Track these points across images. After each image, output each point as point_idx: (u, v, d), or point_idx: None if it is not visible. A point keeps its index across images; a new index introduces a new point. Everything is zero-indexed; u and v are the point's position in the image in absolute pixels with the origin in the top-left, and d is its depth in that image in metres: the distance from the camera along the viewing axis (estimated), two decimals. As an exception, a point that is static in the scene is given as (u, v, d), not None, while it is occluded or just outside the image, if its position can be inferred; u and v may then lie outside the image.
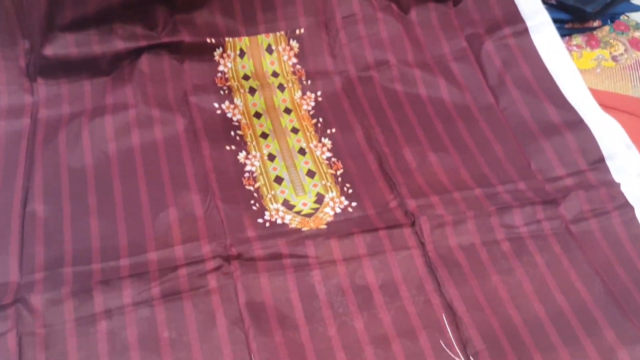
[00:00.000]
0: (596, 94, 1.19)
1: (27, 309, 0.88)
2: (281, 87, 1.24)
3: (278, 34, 1.29)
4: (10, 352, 0.85)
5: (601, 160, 1.11)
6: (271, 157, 1.13)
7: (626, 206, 1.05)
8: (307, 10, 1.30)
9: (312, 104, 1.23)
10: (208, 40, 1.25)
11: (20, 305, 0.88)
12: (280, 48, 1.28)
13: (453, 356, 0.89)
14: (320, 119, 1.20)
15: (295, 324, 0.91)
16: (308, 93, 1.24)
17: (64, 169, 1.06)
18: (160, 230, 0.99)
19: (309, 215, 1.04)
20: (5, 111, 1.12)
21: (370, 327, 0.91)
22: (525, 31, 1.27)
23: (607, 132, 1.13)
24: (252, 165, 1.11)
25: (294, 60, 1.28)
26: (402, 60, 1.29)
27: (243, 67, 1.26)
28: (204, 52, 1.25)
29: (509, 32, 1.28)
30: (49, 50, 1.15)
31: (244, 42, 1.27)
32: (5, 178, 1.03)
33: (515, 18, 1.28)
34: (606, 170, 1.10)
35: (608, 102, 1.20)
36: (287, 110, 1.21)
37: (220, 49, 1.26)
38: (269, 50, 1.28)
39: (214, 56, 1.26)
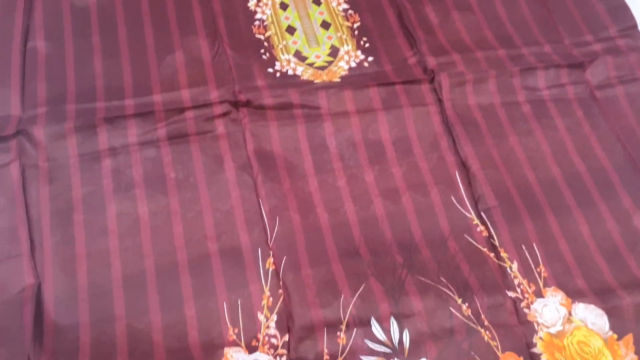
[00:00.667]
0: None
1: (30, 142, 0.85)
2: None
3: None
4: (14, 182, 0.83)
5: (633, 26, 1.05)
6: (283, 6, 1.06)
7: (656, 75, 1.01)
8: None
9: (329, -48, 1.15)
10: None
11: (22, 137, 0.85)
12: None
13: (463, 211, 0.87)
14: (338, -31, 1.13)
15: (304, 174, 0.89)
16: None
17: (66, 6, 1.00)
18: (166, 73, 0.95)
19: (322, 68, 1.00)
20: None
21: (380, 180, 0.89)
22: None
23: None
24: (263, 13, 1.05)
25: None
26: None
27: None
28: None
29: None
30: None
31: None
32: (4, 14, 0.97)
33: None
34: (637, 36, 1.04)
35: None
36: (302, -42, 1.13)
37: None
38: None
39: None
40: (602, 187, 0.91)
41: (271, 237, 0.82)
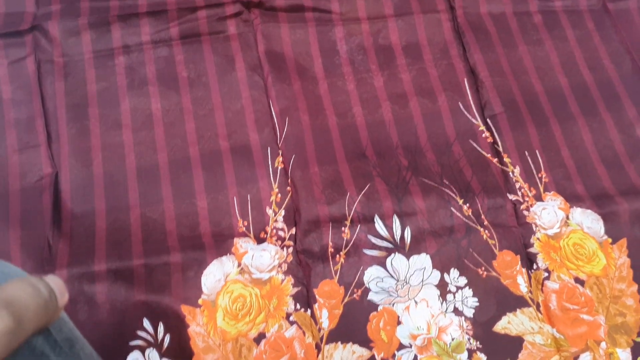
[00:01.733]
0: None
1: (45, 37, 0.86)
2: None
3: None
4: (30, 75, 0.85)
5: None
6: None
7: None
8: None
9: None
10: None
11: (37, 32, 0.86)
12: None
13: (470, 117, 0.89)
14: None
15: (315, 77, 0.90)
16: None
17: None
18: (178, -28, 0.95)
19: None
20: None
21: (389, 85, 0.90)
22: None
23: None
24: None
25: None
26: None
27: None
28: None
29: None
30: None
31: None
32: None
33: None
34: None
35: None
36: None
37: None
38: None
39: None
40: (608, 98, 0.92)
41: (280, 136, 0.84)
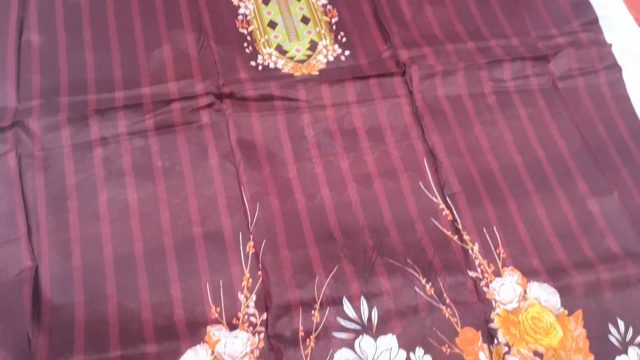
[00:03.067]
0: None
1: (26, 133, 0.91)
2: None
3: None
4: (11, 170, 0.89)
5: (594, 21, 1.11)
6: (265, 1, 1.11)
7: (614, 67, 1.07)
8: None
9: (310, -52, 1.20)
10: None
11: (18, 128, 0.91)
12: None
13: (430, 196, 0.94)
14: (317, -35, 1.18)
15: (284, 161, 0.95)
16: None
17: (59, 1, 1.05)
18: (154, 66, 1.00)
19: (301, 62, 1.05)
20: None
21: (354, 167, 0.96)
22: None
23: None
24: (246, 8, 1.10)
25: None
26: None
27: None
28: None
29: None
30: None
31: None
32: (0, 8, 1.02)
33: None
34: (599, 30, 1.10)
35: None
36: (283, -45, 1.18)
37: None
38: None
39: None
40: (560, 173, 0.98)
41: (252, 221, 0.89)
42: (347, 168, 0.96)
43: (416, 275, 0.87)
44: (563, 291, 0.88)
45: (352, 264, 0.87)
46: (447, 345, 0.83)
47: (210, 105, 0.97)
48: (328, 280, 0.86)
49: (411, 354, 0.82)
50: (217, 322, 0.82)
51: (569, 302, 0.87)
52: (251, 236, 0.88)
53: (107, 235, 0.87)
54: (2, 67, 0.96)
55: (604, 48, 1.08)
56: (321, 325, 0.83)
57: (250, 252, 0.87)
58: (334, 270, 0.86)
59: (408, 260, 0.88)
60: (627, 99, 1.06)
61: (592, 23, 1.11)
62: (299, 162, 0.95)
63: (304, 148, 0.97)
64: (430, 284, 0.87)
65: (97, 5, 1.05)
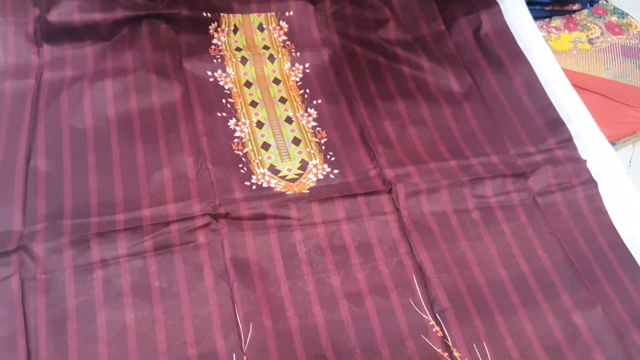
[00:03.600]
0: (570, 75, 1.26)
1: (29, 256, 0.95)
2: (271, 58, 1.30)
3: (269, 14, 1.37)
4: (14, 294, 0.92)
5: (568, 139, 1.18)
6: (259, 125, 1.19)
7: (590, 182, 1.13)
8: None
9: (300, 75, 1.29)
10: (204, 14, 1.31)
11: (22, 252, 0.95)
12: (270, 27, 1.36)
13: (420, 313, 0.97)
14: (307, 90, 1.27)
15: (277, 279, 0.99)
16: (297, 65, 1.30)
17: (66, 129, 1.12)
18: (154, 188, 1.06)
19: (293, 180, 1.11)
20: (12, 72, 1.18)
21: (345, 284, 0.99)
22: (499, 12, 1.33)
23: (575, 112, 1.20)
24: (242, 131, 1.18)
25: (284, 37, 1.35)
26: (386, 39, 1.36)
27: (236, 41, 1.33)
28: (199, 25, 1.31)
29: (485, 15, 1.35)
30: (54, 16, 1.21)
31: (237, 19, 1.34)
32: (10, 134, 1.09)
33: (489, 1, 1.35)
34: (573, 147, 1.17)
35: (581, 84, 1.27)
36: (276, 81, 1.28)
37: (215, 23, 1.32)
38: (260, 28, 1.35)
39: (208, 30, 1.32)
40: (544, 287, 1.01)
41: (245, 342, 0.91)
42: (338, 285, 0.99)
43: (407, 394, 0.88)
44: None
45: (344, 387, 0.89)
46: None
47: (206, 226, 1.02)
48: (320, 402, 0.87)
49: None
50: None
51: None
52: (244, 357, 0.90)
53: (104, 357, 0.89)
54: (9, 192, 1.02)
55: (579, 164, 1.15)
56: None
57: (244, 374, 0.89)
58: None
59: None
60: (605, 212, 1.11)
61: (567, 141, 1.18)
62: (290, 280, 0.99)
63: (296, 265, 1.00)
64: (421, 403, 0.88)
65: (102, 131, 1.13)
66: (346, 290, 0.99)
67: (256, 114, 1.21)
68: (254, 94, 1.24)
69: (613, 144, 1.20)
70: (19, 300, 0.92)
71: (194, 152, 1.11)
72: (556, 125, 1.20)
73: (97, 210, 1.02)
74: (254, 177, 1.11)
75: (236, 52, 1.30)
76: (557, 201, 1.12)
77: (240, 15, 1.34)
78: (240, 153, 1.14)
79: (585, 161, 1.15)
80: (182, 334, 0.92)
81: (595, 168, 1.14)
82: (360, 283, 1.00)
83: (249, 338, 0.91)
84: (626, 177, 1.12)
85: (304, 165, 1.14)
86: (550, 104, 1.21)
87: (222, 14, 1.33)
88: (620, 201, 1.11)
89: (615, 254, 1.06)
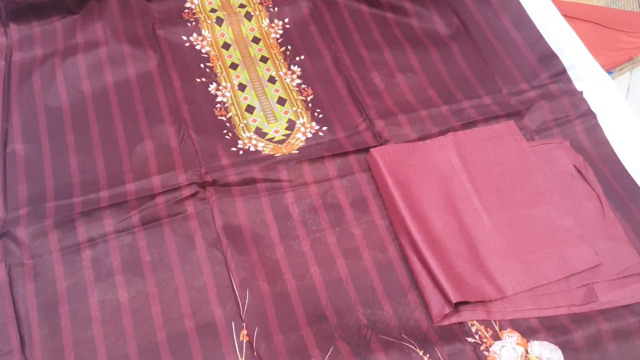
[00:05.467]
0: (560, 5, 1.20)
1: (14, 242, 0.92)
2: (248, 16, 1.24)
3: None
4: (1, 282, 0.90)
5: (562, 72, 1.14)
6: (241, 87, 1.15)
7: (588, 114, 1.09)
8: None
9: (280, 31, 1.24)
10: None
11: (7, 239, 0.92)
12: None
13: (421, 264, 0.94)
14: (289, 47, 1.22)
15: (271, 243, 0.96)
16: (275, 21, 1.25)
17: (41, 109, 1.08)
18: (137, 162, 1.03)
19: (281, 142, 1.08)
20: (-21, 55, 1.14)
21: (342, 241, 0.96)
22: None
23: (567, 43, 1.15)
24: (223, 96, 1.13)
25: None
26: None
27: (210, 3, 1.27)
28: (171, -9, 1.26)
29: None
30: (18, -6, 1.17)
31: (209, -21, 1.28)
32: None
33: None
34: (568, 80, 1.13)
35: (572, 13, 1.22)
36: (256, 40, 1.22)
37: (187, -15, 1.27)
38: (235, -14, 1.29)
39: (180, -6, 1.27)
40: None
41: (243, 309, 0.89)
42: (334, 243, 0.96)
43: (413, 348, 0.86)
44: (565, 347, 0.86)
45: (347, 344, 0.86)
46: (452, 416, 0.81)
47: (194, 195, 0.99)
48: (324, 361, 0.85)
49: None
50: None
51: (572, 357, 0.86)
52: (244, 324, 0.88)
53: (100, 337, 0.87)
54: (-12, 179, 0.99)
55: (575, 96, 1.10)
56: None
57: (244, 341, 0.86)
58: (330, 351, 0.85)
59: (403, 335, 0.87)
60: (607, 143, 1.07)
61: (561, 74, 1.13)
62: (285, 242, 0.96)
63: (290, 227, 0.97)
64: (428, 355, 0.85)
65: (78, 109, 1.09)
66: (343, 247, 0.96)
67: (237, 77, 1.16)
68: (233, 55, 1.19)
69: (609, 72, 1.14)
70: (7, 288, 0.89)
71: (175, 121, 1.08)
72: (548, 58, 1.15)
73: (80, 190, 0.99)
74: (240, 142, 1.07)
75: (211, 13, 1.25)
76: (555, 137, 1.07)
77: None
78: (224, 118, 1.10)
79: (581, 93, 1.11)
80: (177, 307, 0.89)
81: (592, 99, 1.10)
82: (357, 239, 0.97)
83: (246, 304, 0.89)
84: (626, 106, 1.07)
85: (291, 125, 1.10)
86: (541, 38, 1.16)
87: (193, -23, 1.27)
88: (622, 131, 1.07)
89: (620, 185, 1.02)
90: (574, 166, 1.02)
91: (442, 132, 1.06)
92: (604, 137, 1.07)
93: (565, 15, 1.16)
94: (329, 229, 0.97)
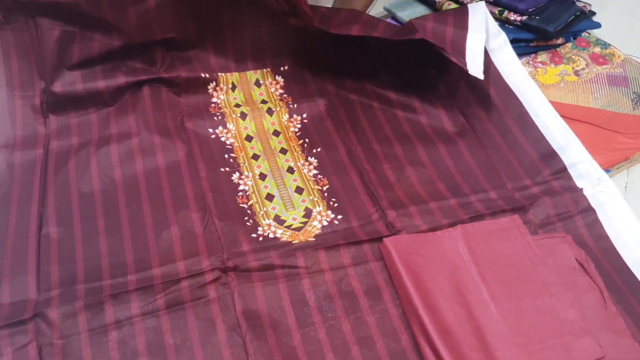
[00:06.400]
0: (560, 107, 1.29)
1: (46, 323, 0.97)
2: (270, 111, 1.34)
3: (265, 70, 1.43)
4: (32, 362, 0.94)
5: (563, 169, 1.21)
6: (262, 177, 1.23)
7: (588, 209, 1.15)
8: (290, 51, 1.43)
9: (299, 125, 1.33)
10: (202, 75, 1.37)
11: (39, 319, 0.97)
12: (267, 82, 1.41)
13: (432, 352, 0.98)
14: (307, 140, 1.31)
15: (288, 329, 1.00)
16: (295, 116, 1.35)
17: (74, 194, 1.16)
18: (163, 247, 1.09)
19: (298, 229, 1.14)
20: (21, 143, 1.23)
21: (356, 329, 1.01)
22: (486, 54, 1.36)
23: (567, 143, 1.23)
24: (245, 184, 1.21)
25: (281, 91, 1.40)
26: (379, 84, 1.40)
27: (234, 98, 1.38)
28: (198, 86, 1.37)
29: None
30: (58, 87, 1.27)
31: (235, 77, 1.40)
32: (21, 205, 1.13)
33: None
34: (569, 177, 1.20)
35: (571, 114, 1.30)
36: (276, 133, 1.32)
37: (214, 83, 1.38)
38: (257, 84, 1.41)
39: (207, 89, 1.38)
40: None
41: (260, 394, 0.92)
42: (349, 331, 1.00)
43: None
44: None
45: None
46: None
47: (216, 280, 1.04)
48: None
49: None
50: None
51: None
52: (261, 408, 0.91)
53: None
54: (24, 262, 1.04)
55: (576, 193, 1.17)
56: None
57: None
58: None
59: None
60: (607, 238, 1.13)
61: (562, 171, 1.21)
62: (302, 329, 1.00)
63: (306, 314, 1.02)
64: None
65: (109, 194, 1.16)
66: (357, 335, 1.00)
67: (258, 166, 1.25)
68: (255, 147, 1.28)
69: (607, 170, 1.22)
70: None
71: (199, 208, 1.15)
72: (550, 157, 1.23)
73: (109, 273, 1.05)
74: (260, 228, 1.13)
75: (235, 108, 1.35)
76: (558, 231, 1.13)
77: (237, 73, 1.40)
78: (245, 206, 1.17)
79: (581, 190, 1.18)
80: (198, 390, 0.93)
81: (592, 196, 1.17)
82: (370, 327, 1.01)
83: (263, 390, 0.93)
84: (623, 203, 1.14)
85: (308, 213, 1.17)
86: (543, 137, 1.24)
87: (219, 74, 1.38)
88: (620, 227, 1.13)
89: (621, 278, 1.07)
90: (577, 260, 1.08)
91: (451, 224, 1.12)
92: (604, 232, 1.13)
93: (564, 117, 1.24)
94: (344, 316, 1.02)
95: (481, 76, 1.26)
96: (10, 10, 1.25)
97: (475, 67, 1.28)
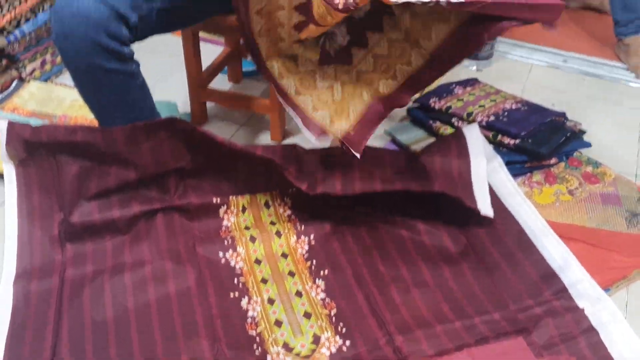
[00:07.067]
0: (556, 227, 1.35)
1: None
2: (278, 234, 1.40)
3: (274, 192, 1.49)
4: None
5: (563, 289, 1.24)
6: (270, 301, 1.26)
7: (591, 330, 1.17)
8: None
9: (306, 247, 1.38)
10: (214, 200, 1.43)
11: None
12: (276, 203, 1.47)
13: None
14: (314, 261, 1.35)
15: None
16: (302, 237, 1.40)
17: (88, 323, 1.18)
18: (175, 382, 1.10)
19: (307, 357, 1.16)
20: (37, 272, 1.27)
21: None
22: None
23: (565, 263, 1.27)
24: (254, 310, 1.24)
25: (289, 212, 1.46)
26: (383, 206, 1.46)
27: (244, 220, 1.43)
28: (210, 211, 1.43)
29: None
30: (76, 217, 1.33)
31: (245, 199, 1.46)
32: (35, 335, 1.15)
33: None
34: (569, 297, 1.23)
35: (567, 234, 1.35)
36: (284, 255, 1.36)
37: (225, 206, 1.44)
38: (267, 205, 1.47)
39: (219, 214, 1.44)
40: None
41: None
42: None
43: None
44: None
45: None
46: None
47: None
48: None
49: None
50: None
51: None
52: None
53: None
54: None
55: (577, 313, 1.20)
56: None
57: None
58: None
59: None
60: (611, 359, 1.14)
61: (562, 291, 1.24)
62: None
63: None
64: None
65: (122, 323, 1.19)
66: None
67: (267, 291, 1.28)
68: (264, 270, 1.32)
69: (607, 290, 1.25)
70: None
71: (209, 335, 1.17)
72: (550, 277, 1.26)
73: (121, 405, 1.06)
74: (268, 356, 1.15)
75: (245, 230, 1.40)
76: (562, 352, 1.15)
77: (248, 195, 1.47)
78: (254, 333, 1.20)
79: (582, 310, 1.20)
80: None
81: (593, 315, 1.19)
82: None
83: None
84: (625, 323, 1.16)
85: (316, 340, 1.19)
86: (542, 257, 1.29)
87: (231, 197, 1.45)
88: (623, 346, 1.14)
89: None
90: (583, 383, 1.09)
91: (458, 348, 1.14)
92: (608, 353, 1.14)
93: (561, 236, 1.29)
94: None
95: (491, 214, 1.33)
96: (34, 149, 1.33)
97: (485, 206, 1.35)
